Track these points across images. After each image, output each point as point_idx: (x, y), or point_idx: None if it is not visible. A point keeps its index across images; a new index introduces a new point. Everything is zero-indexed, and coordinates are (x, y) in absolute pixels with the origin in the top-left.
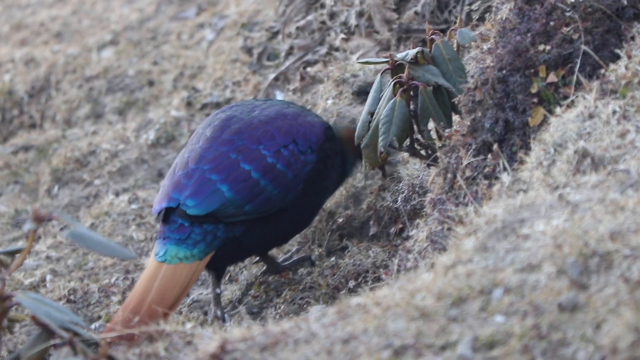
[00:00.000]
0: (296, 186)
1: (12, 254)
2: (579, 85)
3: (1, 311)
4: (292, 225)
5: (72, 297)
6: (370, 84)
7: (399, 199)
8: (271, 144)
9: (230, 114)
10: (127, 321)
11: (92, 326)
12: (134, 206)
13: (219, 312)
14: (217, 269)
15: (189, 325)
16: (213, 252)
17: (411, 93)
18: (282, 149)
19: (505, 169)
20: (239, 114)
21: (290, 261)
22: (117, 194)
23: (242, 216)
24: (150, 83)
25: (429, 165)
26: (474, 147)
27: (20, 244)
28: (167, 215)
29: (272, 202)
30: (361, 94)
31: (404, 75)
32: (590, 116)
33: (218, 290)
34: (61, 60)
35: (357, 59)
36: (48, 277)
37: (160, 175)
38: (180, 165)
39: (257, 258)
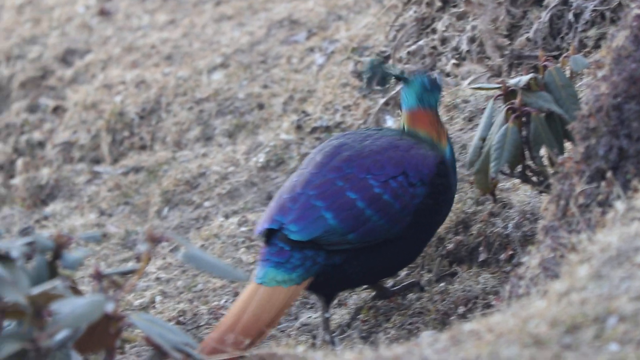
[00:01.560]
0: (403, 218)
1: (124, 274)
2: None
3: (115, 331)
4: (397, 257)
5: (181, 318)
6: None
7: (510, 225)
8: (380, 174)
9: (342, 141)
10: (220, 340)
11: None
12: (243, 229)
13: (327, 337)
14: (325, 295)
15: (300, 349)
16: (312, 277)
17: (523, 119)
18: (391, 180)
19: (619, 196)
20: (351, 141)
21: (399, 286)
22: (226, 217)
23: (345, 245)
24: (260, 106)
25: (540, 192)
26: (587, 174)
27: (130, 264)
28: (270, 236)
29: (377, 232)
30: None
31: (517, 101)
32: None
33: (327, 315)
34: (172, 82)
35: (468, 84)
36: (158, 298)
37: (270, 198)
38: (287, 188)
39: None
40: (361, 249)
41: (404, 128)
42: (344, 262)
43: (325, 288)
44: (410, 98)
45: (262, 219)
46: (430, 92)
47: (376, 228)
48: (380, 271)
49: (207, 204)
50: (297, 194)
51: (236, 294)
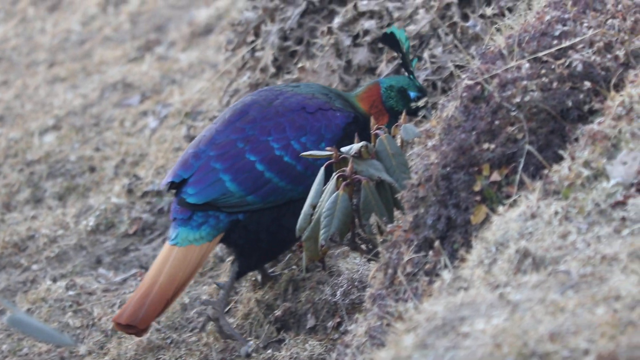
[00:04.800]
0: (307, 178)
1: None
2: (522, 184)
3: None
4: None
5: None
6: None
7: (338, 292)
8: (281, 137)
9: (254, 98)
10: (140, 304)
11: None
12: (71, 292)
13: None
14: (249, 264)
15: None
16: (222, 233)
17: (354, 187)
18: (293, 142)
19: (446, 266)
20: (262, 99)
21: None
22: (54, 280)
23: (245, 206)
24: (92, 169)
25: (369, 260)
26: (415, 243)
27: None
28: (177, 191)
29: (279, 193)
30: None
31: (347, 169)
32: (533, 216)
33: (221, 283)
34: (2, 143)
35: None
36: None
37: (99, 262)
38: (195, 142)
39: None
40: (265, 209)
41: (353, 94)
42: (246, 219)
43: (239, 244)
44: (389, 81)
45: (169, 172)
46: (405, 98)
47: (277, 189)
48: (289, 230)
49: (35, 267)
50: (200, 151)
51: (62, 359)
